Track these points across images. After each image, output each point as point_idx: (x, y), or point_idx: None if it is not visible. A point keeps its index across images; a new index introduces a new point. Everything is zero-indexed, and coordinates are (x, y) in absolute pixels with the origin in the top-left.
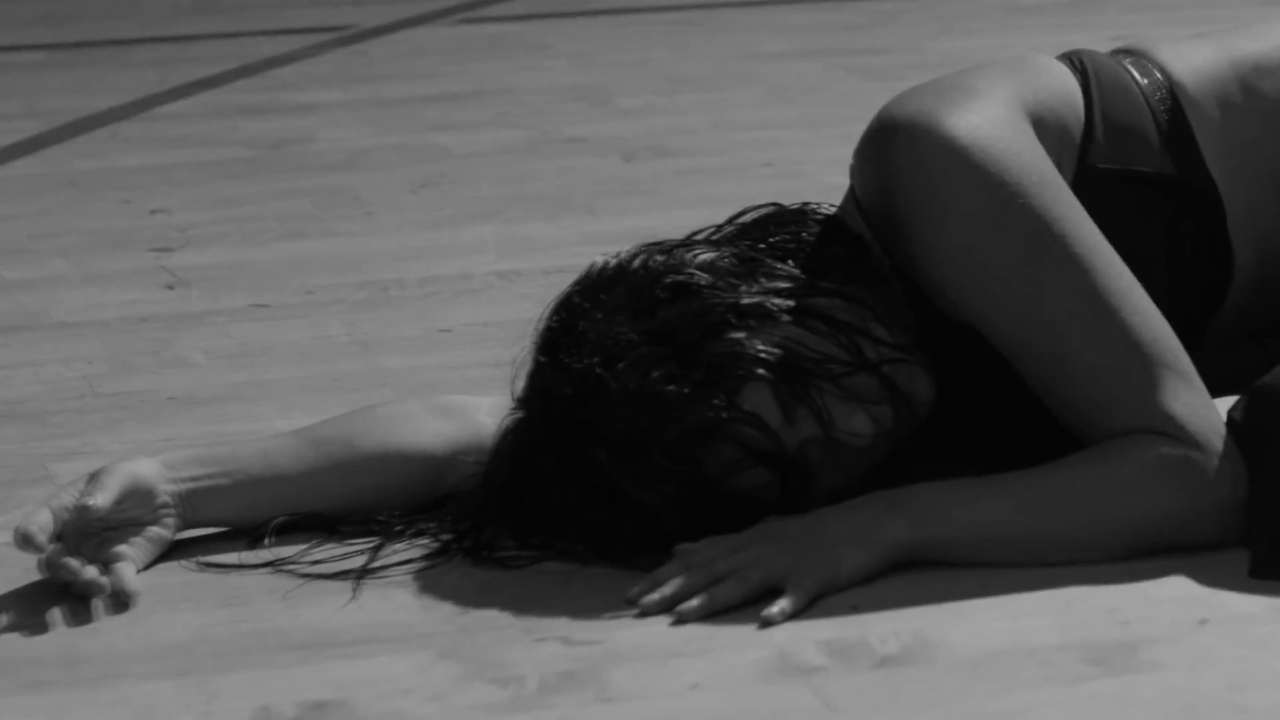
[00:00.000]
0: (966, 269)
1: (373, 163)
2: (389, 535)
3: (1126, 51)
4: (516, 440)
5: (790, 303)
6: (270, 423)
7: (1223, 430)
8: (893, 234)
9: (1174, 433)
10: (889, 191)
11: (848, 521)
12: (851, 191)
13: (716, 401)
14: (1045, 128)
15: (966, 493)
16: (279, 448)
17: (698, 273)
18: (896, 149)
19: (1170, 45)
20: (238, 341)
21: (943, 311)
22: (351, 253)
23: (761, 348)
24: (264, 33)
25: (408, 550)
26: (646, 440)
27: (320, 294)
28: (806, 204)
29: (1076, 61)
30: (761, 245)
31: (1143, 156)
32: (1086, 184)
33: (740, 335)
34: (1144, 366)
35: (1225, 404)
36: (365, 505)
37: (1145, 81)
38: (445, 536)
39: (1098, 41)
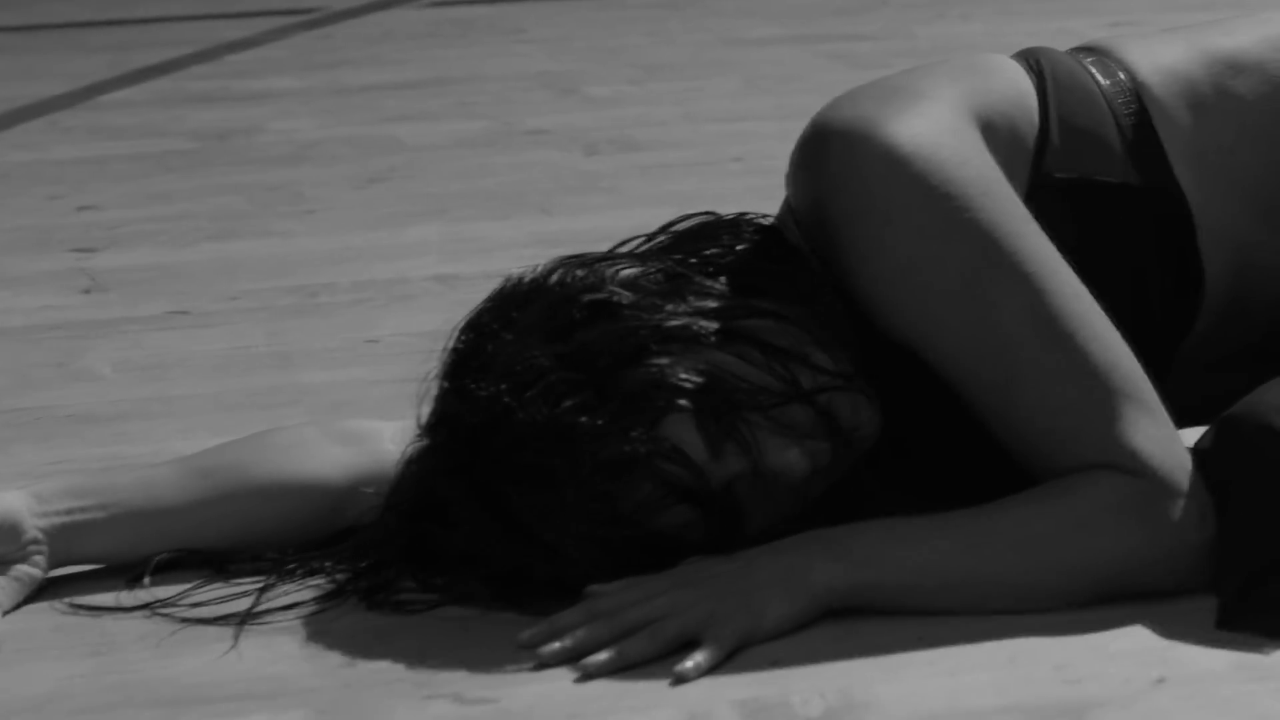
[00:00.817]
0: (908, 288)
1: (320, 156)
2: (280, 574)
3: (1089, 50)
4: (420, 471)
5: (719, 325)
6: (170, 444)
7: (1188, 465)
8: (829, 248)
9: (1135, 468)
10: (823, 204)
11: (775, 565)
12: (787, 202)
13: (634, 434)
14: (995, 133)
15: (906, 532)
16: (161, 477)
17: (619, 291)
18: (831, 157)
19: (1137, 43)
20: (149, 352)
21: (883, 333)
22: (284, 254)
23: (684, 375)
24: (227, 15)
25: (299, 591)
26: (557, 476)
27: (245, 299)
28: (743, 214)
29: (1032, 61)
30: (692, 260)
31: (1103, 164)
32: (1041, 195)
33: (663, 361)
34: (1103, 396)
35: (1192, 436)
36: (256, 540)
37: (1107, 83)
38: (341, 575)
39: (1097, 29)
